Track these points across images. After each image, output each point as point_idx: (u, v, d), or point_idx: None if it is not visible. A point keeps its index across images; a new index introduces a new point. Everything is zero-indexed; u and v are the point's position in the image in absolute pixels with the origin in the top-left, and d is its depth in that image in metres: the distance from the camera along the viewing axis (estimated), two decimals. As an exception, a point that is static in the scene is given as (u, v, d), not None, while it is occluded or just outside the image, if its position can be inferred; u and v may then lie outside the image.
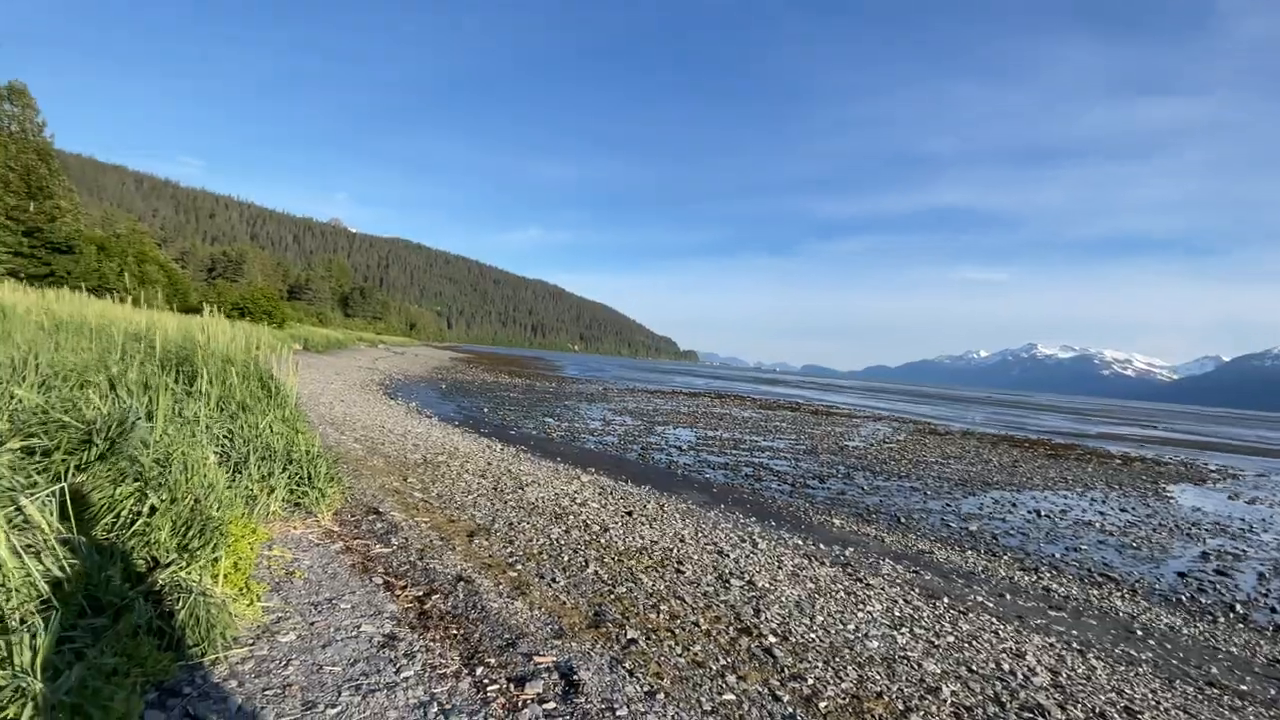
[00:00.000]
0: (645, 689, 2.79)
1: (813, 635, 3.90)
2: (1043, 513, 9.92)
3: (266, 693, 2.29)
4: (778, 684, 3.13)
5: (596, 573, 4.42)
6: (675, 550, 5.39)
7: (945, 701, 3.22)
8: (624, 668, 2.97)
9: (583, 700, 2.59)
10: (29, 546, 2.00)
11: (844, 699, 3.08)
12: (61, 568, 2.04)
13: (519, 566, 4.30)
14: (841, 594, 4.88)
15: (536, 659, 2.90)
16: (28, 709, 1.60)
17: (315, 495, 4.49)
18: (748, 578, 4.88)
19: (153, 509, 2.76)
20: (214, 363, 5.17)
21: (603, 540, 5.36)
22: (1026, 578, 6.50)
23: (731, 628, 3.80)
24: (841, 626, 4.14)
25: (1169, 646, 5.00)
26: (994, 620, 4.87)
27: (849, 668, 3.47)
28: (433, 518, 5.27)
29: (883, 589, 5.20)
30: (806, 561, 5.75)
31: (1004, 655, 4.10)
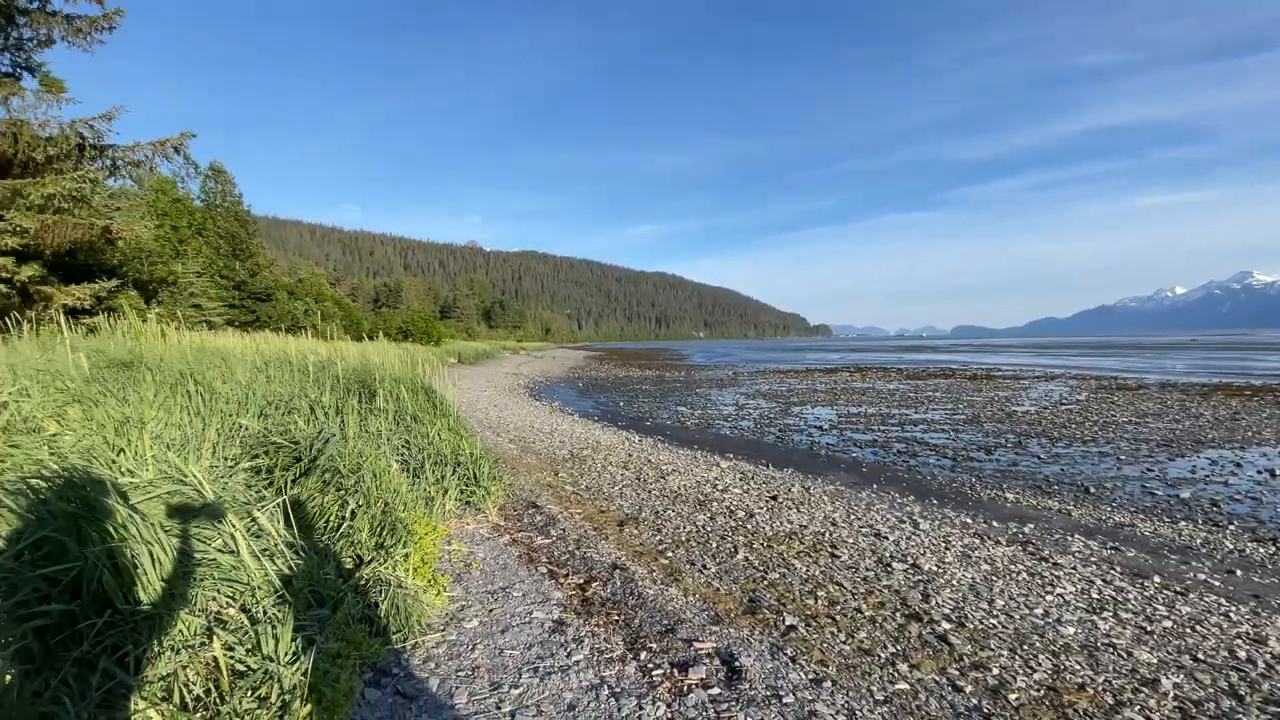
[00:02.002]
0: (810, 676, 2.72)
1: (993, 621, 3.56)
2: (1277, 472, 8.22)
3: (459, 674, 2.55)
4: (956, 673, 2.90)
5: (746, 559, 4.39)
6: (827, 534, 5.19)
7: (1167, 695, 2.78)
8: (785, 654, 2.91)
9: (746, 686, 2.59)
10: (264, 551, 2.40)
11: (1038, 690, 2.78)
12: (289, 568, 2.42)
13: (669, 554, 4.40)
14: (1024, 575, 4.40)
15: (696, 645, 2.94)
16: (275, 689, 1.92)
17: (482, 493, 4.92)
18: (911, 560, 4.57)
19: (353, 513, 3.18)
20: (387, 382, 5.84)
21: (749, 526, 5.31)
22: (1261, 550, 5.42)
23: (898, 614, 3.59)
24: (1027, 611, 3.73)
25: None
26: (1222, 601, 4.13)
27: (1040, 656, 3.12)
28: (584, 509, 5.54)
29: (1074, 569, 4.62)
30: (978, 541, 5.27)
31: (1239, 641, 3.46)
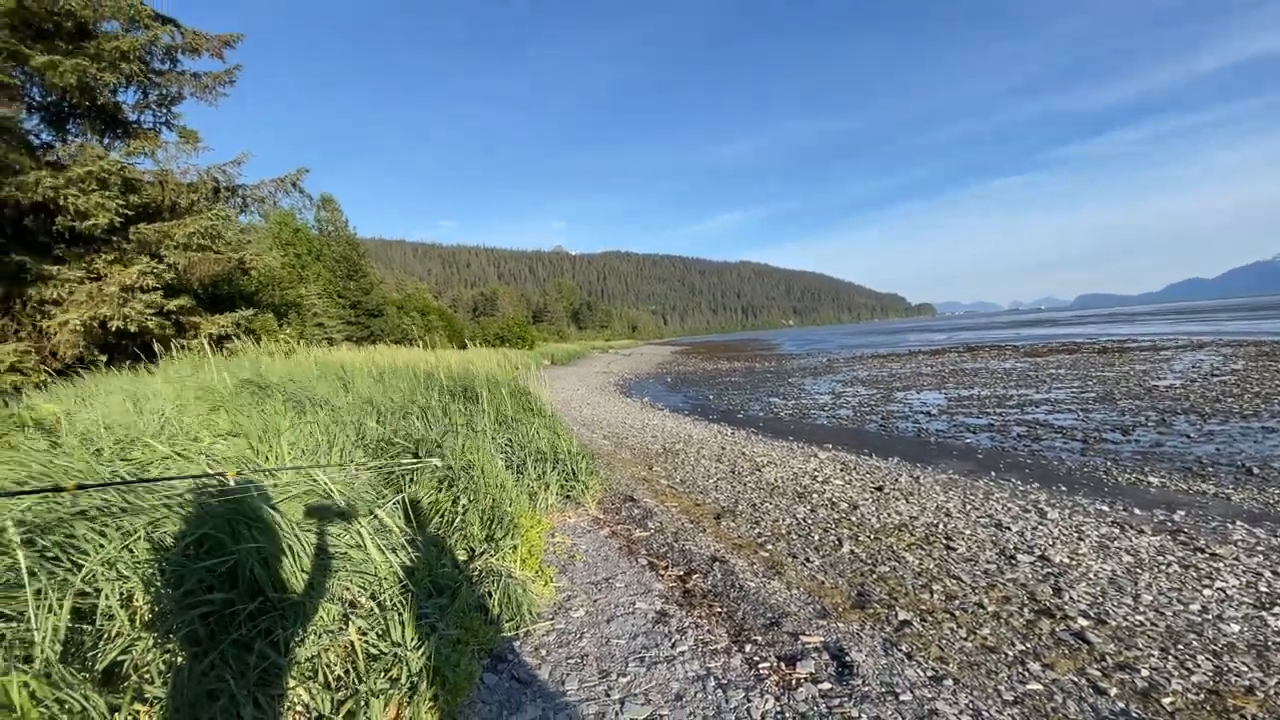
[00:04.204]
0: (929, 674, 2.57)
1: (1139, 618, 3.20)
2: None
3: (568, 661, 2.64)
4: (1098, 674, 2.63)
5: (852, 552, 4.22)
6: (941, 525, 4.88)
7: None
8: (900, 650, 2.77)
9: (859, 682, 2.49)
10: (388, 545, 2.59)
11: (1197, 694, 2.46)
12: (411, 560, 2.61)
13: (769, 546, 4.31)
14: (1175, 568, 3.92)
15: (803, 638, 2.86)
16: (404, 671, 2.07)
17: (580, 488, 5.06)
18: (1038, 552, 4.20)
19: (464, 509, 3.37)
20: (488, 386, 6.15)
21: (853, 518, 5.10)
22: None
23: (1026, 609, 3.31)
24: (1181, 607, 3.32)
25: None
26: None
27: (1199, 657, 2.77)
28: (680, 502, 5.55)
29: (1236, 559, 4.05)
30: (1118, 530, 4.75)
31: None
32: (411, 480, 3.57)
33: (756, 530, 4.71)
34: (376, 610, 2.26)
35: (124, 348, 10.44)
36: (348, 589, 2.29)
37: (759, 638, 2.87)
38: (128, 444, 2.83)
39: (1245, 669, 2.67)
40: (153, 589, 1.85)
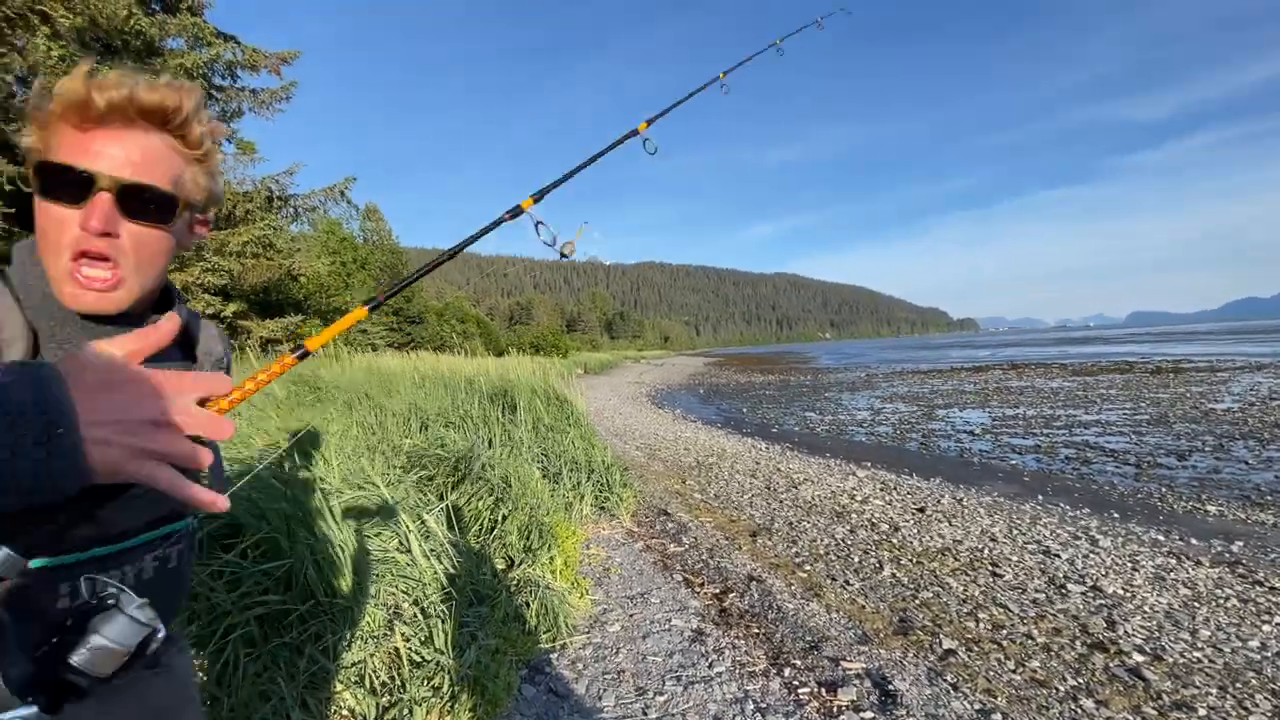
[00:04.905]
0: (976, 706, 2.48)
1: (1197, 654, 3.04)
2: None
3: (605, 676, 2.63)
4: (1154, 713, 2.50)
5: (894, 575, 4.11)
6: (986, 550, 4.72)
7: None
8: (945, 680, 2.68)
9: (903, 713, 2.41)
10: (432, 550, 2.64)
11: (1272, 745, 2.32)
12: (453, 567, 2.65)
13: (807, 567, 4.23)
14: (1234, 602, 3.71)
15: (844, 664, 2.80)
16: (446, 680, 2.10)
17: (615, 500, 5.06)
18: (1090, 582, 4.02)
19: (504, 517, 3.41)
20: (526, 395, 6.22)
21: (894, 540, 4.97)
22: None
23: (1078, 642, 3.17)
24: (1240, 644, 3.14)
25: None
26: None
27: (1258, 696, 2.62)
28: (714, 517, 5.50)
29: (1301, 595, 3.81)
30: (1174, 561, 4.52)
31: None
32: (454, 487, 3.63)
33: (794, 550, 4.63)
34: (420, 617, 2.30)
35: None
36: (393, 594, 2.33)
37: (798, 661, 2.82)
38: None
39: (1318, 716, 2.50)
40: (209, 588, 1.93)
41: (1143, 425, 11.30)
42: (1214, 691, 2.68)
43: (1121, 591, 3.87)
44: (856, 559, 4.44)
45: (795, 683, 2.62)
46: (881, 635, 3.16)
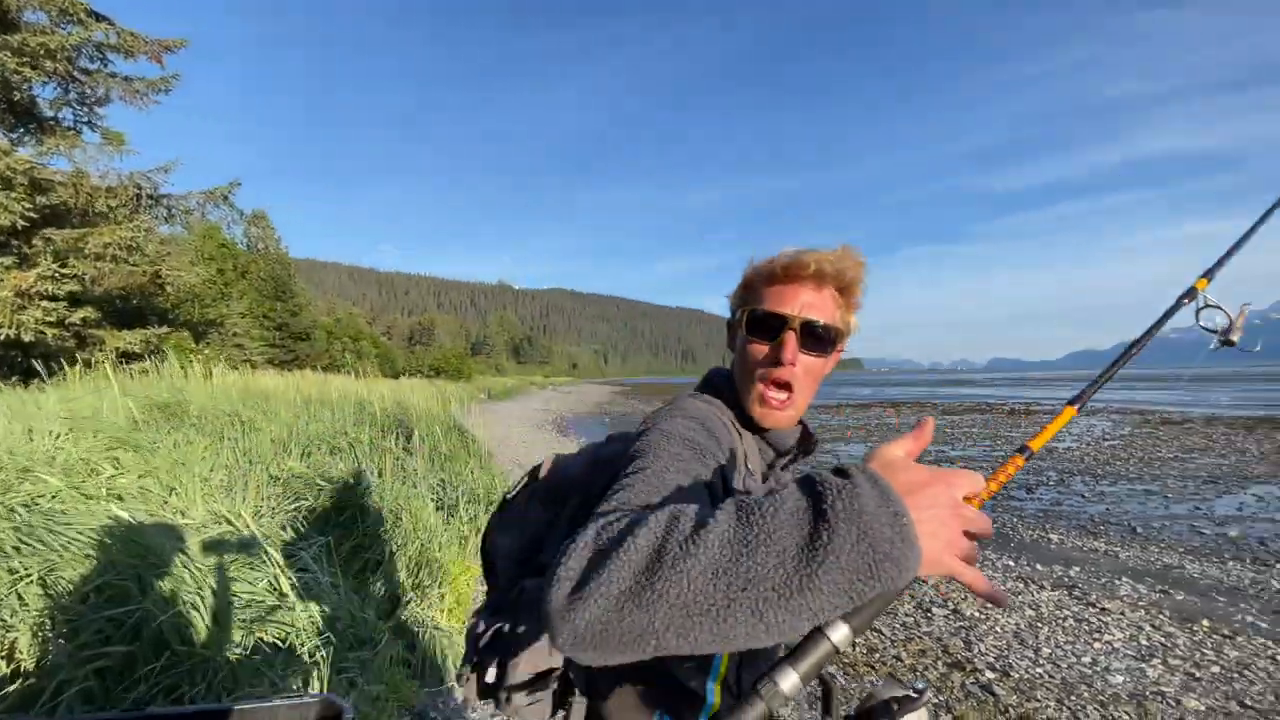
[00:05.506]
0: (852, 729, 2.64)
1: (1039, 670, 3.42)
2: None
3: (495, 718, 2.54)
4: (1006, 729, 2.78)
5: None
6: (864, 576, 5.07)
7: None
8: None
9: (786, 739, 2.52)
10: (308, 591, 2.46)
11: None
12: (332, 608, 2.47)
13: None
14: (1070, 621, 4.22)
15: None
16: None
17: (512, 534, 4.93)
18: (952, 606, 4.42)
19: (391, 554, 3.23)
20: (422, 421, 5.97)
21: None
22: (1314, 591, 5.11)
23: (940, 662, 3.46)
24: (1074, 659, 3.58)
25: None
26: (1269, 643, 3.89)
27: (1089, 708, 2.99)
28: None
29: (1122, 613, 4.41)
30: (1022, 585, 5.07)
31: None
32: (336, 522, 3.40)
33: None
34: (292, 664, 2.12)
35: (13, 360, 9.50)
36: (262, 640, 2.14)
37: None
38: (17, 475, 2.57)
39: (1126, 718, 2.89)
40: (41, 638, 1.68)
41: (998, 461, 12.63)
42: (1052, 704, 3.01)
43: (978, 614, 4.28)
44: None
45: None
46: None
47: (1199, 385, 46.88)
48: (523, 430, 18.78)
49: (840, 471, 0.50)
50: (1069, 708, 2.98)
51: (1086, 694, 3.14)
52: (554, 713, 0.86)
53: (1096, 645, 3.80)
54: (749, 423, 0.93)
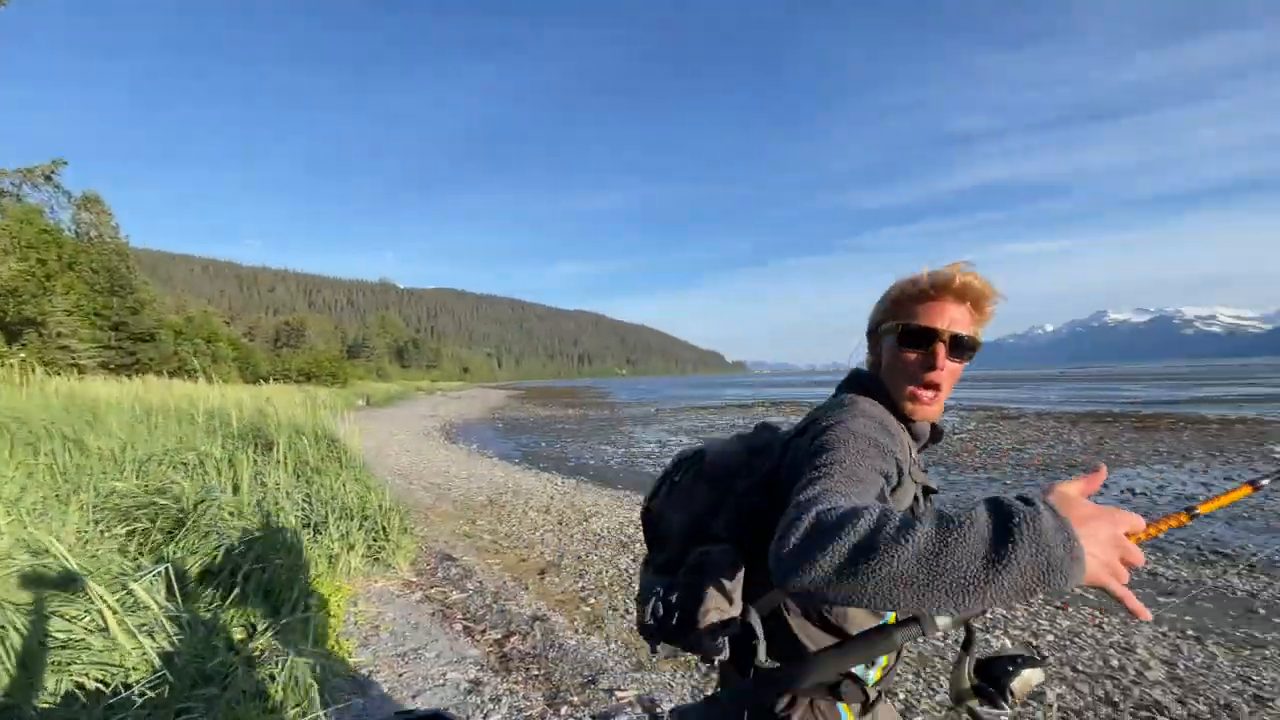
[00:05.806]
0: (730, 716, 2.76)
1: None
2: (1137, 490, 9.27)
3: None
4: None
5: (669, 600, 4.41)
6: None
7: (1051, 706, 3.05)
8: (707, 695, 2.94)
9: (668, 733, 2.59)
10: (141, 626, 2.17)
11: None
12: (171, 643, 2.21)
13: (592, 600, 4.34)
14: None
15: (619, 694, 2.91)
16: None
17: (392, 548, 4.66)
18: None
19: (245, 577, 2.94)
20: (286, 431, 5.48)
21: (671, 566, 5.35)
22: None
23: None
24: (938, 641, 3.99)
25: (1301, 626, 4.57)
26: (1096, 613, 4.58)
27: (943, 678, 3.33)
28: (503, 558, 5.38)
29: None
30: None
31: (1111, 650, 3.84)
32: (178, 545, 3.04)
33: (580, 584, 4.71)
34: (118, 708, 1.86)
35: None
36: (82, 685, 1.87)
37: (575, 698, 2.86)
38: None
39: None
40: None
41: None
42: (910, 676, 3.33)
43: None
44: (638, 586, 4.68)
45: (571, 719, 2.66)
46: (655, 661, 3.36)
47: (1033, 384, 54.11)
48: (406, 439, 17.81)
49: (1026, 500, 0.64)
50: (924, 679, 3.31)
51: (940, 665, 3.51)
52: (732, 653, 1.01)
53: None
54: (900, 416, 1.10)
